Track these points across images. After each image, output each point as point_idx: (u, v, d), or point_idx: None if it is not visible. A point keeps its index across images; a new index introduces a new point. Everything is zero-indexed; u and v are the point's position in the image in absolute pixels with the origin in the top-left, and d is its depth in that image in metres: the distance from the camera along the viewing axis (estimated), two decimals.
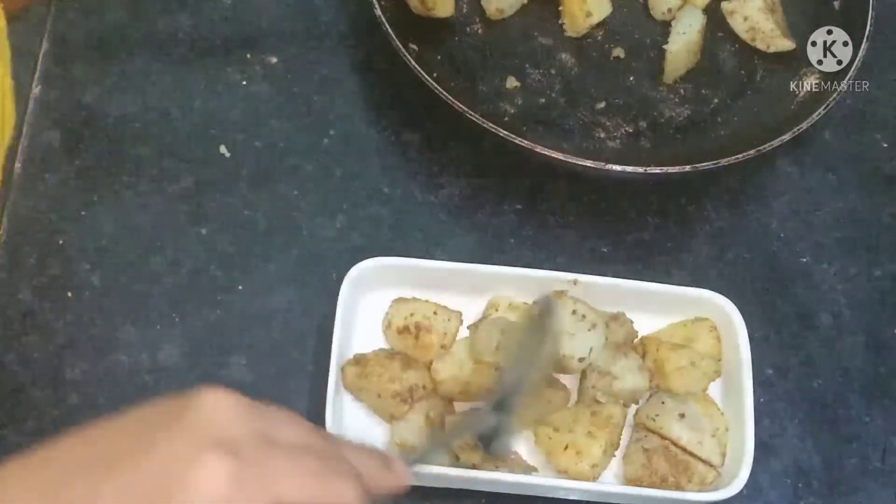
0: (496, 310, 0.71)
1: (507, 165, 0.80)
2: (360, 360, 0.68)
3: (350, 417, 0.68)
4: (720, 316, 0.71)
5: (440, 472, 0.65)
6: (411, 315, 0.69)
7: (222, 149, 0.79)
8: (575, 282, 0.70)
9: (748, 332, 0.70)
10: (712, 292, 0.71)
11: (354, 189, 0.79)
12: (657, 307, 0.72)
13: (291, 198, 0.78)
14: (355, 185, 0.79)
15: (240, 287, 0.74)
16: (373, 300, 0.71)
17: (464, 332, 0.70)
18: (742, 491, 0.69)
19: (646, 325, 0.72)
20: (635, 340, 0.72)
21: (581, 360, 0.67)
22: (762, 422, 0.72)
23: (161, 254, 0.75)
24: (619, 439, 0.68)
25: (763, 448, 0.71)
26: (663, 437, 0.67)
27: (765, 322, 0.76)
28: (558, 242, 0.78)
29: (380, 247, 0.76)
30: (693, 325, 0.72)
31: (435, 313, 0.69)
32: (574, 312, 0.68)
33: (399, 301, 0.71)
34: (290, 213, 0.77)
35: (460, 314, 0.70)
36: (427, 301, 0.70)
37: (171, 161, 0.78)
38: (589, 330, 0.68)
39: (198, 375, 0.71)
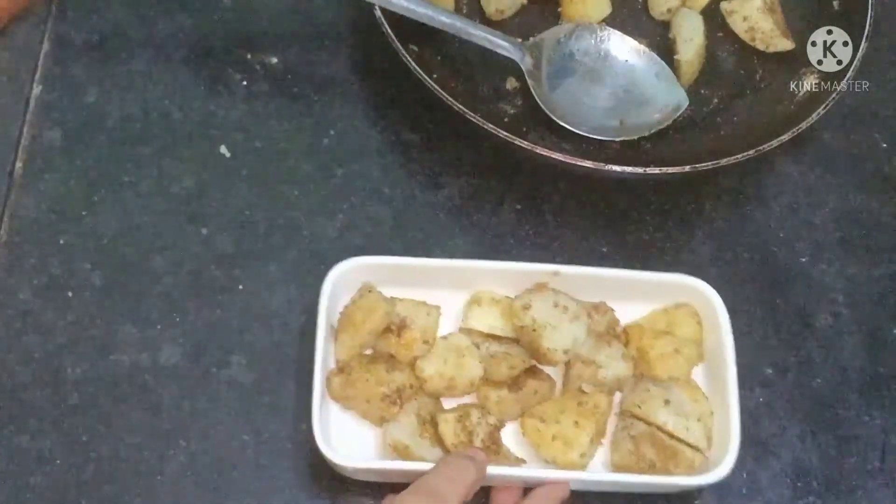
0: (479, 304, 0.71)
1: (507, 165, 0.80)
2: (343, 367, 0.68)
3: (337, 425, 0.68)
4: (700, 300, 0.72)
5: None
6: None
7: (222, 149, 0.79)
8: (556, 273, 0.71)
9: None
10: (691, 277, 0.72)
11: (354, 189, 0.79)
12: (638, 295, 0.72)
13: (291, 198, 0.78)
14: (355, 185, 0.79)
15: (240, 287, 0.74)
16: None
17: (443, 328, 0.71)
18: (741, 491, 0.70)
19: (627, 313, 0.72)
20: (618, 329, 0.72)
21: (566, 351, 0.68)
22: (761, 421, 0.72)
23: (161, 253, 0.75)
24: (606, 428, 0.69)
25: (762, 447, 0.72)
26: (649, 424, 0.68)
27: (764, 322, 0.76)
28: (558, 242, 0.78)
29: (380, 247, 0.76)
30: (674, 311, 0.72)
31: (413, 309, 0.70)
32: (556, 305, 0.69)
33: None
34: (290, 213, 0.77)
35: (439, 308, 0.70)
36: (403, 299, 0.70)
37: (171, 161, 0.78)
38: (571, 321, 0.68)
39: (198, 375, 0.71)
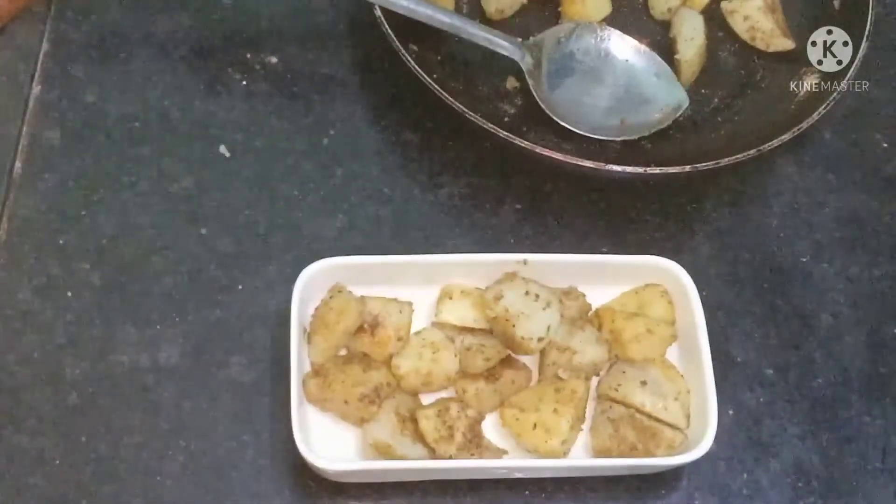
0: (450, 298, 0.71)
1: (507, 165, 0.80)
2: (319, 369, 0.68)
3: (318, 428, 0.67)
4: (669, 280, 0.72)
5: (417, 466, 0.65)
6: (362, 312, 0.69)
7: (222, 149, 0.79)
8: (525, 262, 0.71)
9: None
10: (659, 257, 0.72)
11: (354, 189, 0.79)
12: (607, 278, 0.72)
13: (291, 198, 0.78)
14: (355, 185, 0.79)
15: (240, 287, 0.74)
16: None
17: (416, 324, 0.71)
18: (742, 491, 0.70)
19: (598, 296, 0.72)
20: (590, 313, 0.72)
21: (540, 339, 0.68)
22: (762, 421, 0.72)
23: (161, 254, 0.75)
24: (585, 413, 0.69)
25: (763, 448, 0.71)
26: (628, 406, 0.68)
27: (765, 322, 0.76)
28: (558, 242, 0.78)
29: (380, 247, 0.76)
30: (644, 292, 0.72)
31: (385, 306, 0.70)
32: (527, 293, 0.69)
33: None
34: (290, 213, 0.77)
35: (411, 304, 0.70)
36: (375, 297, 0.70)
37: (171, 161, 0.78)
38: (544, 309, 0.68)
39: (198, 375, 0.71)
